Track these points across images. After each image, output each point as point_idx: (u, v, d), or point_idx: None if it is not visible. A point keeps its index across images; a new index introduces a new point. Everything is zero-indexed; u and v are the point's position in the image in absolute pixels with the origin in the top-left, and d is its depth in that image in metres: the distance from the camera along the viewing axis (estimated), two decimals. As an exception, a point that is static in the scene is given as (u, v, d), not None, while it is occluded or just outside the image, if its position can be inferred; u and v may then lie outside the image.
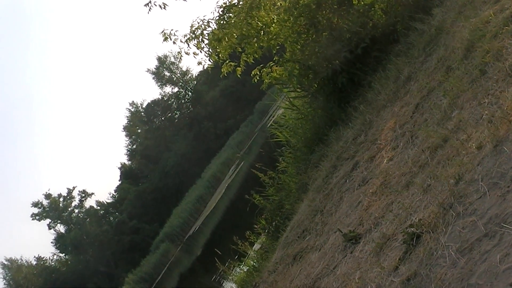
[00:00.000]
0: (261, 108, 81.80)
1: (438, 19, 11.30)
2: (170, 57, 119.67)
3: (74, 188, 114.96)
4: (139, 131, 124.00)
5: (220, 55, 15.91)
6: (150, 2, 14.76)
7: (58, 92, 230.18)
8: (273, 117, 41.01)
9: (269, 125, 31.97)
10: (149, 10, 14.82)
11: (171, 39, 15.82)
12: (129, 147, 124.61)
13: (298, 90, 16.65)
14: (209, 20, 15.88)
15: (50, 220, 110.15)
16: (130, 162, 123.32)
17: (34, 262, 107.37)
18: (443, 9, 11.63)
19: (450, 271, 4.77)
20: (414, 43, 11.87)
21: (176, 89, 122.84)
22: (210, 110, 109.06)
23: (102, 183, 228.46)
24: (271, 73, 16.85)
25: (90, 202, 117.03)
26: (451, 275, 4.71)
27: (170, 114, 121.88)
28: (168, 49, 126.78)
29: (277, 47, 16.28)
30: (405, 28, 13.08)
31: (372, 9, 14.59)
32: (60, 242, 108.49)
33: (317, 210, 10.59)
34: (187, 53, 15.98)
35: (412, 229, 5.84)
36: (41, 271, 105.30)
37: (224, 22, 15.77)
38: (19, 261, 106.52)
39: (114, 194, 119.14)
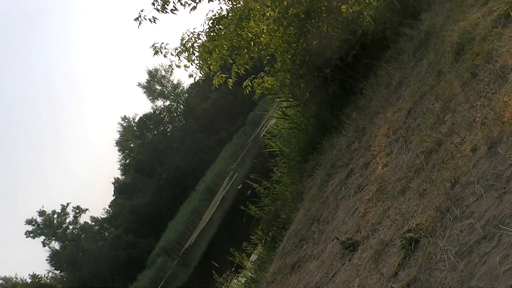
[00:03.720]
0: (254, 119, 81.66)
1: (427, 24, 11.34)
2: (161, 71, 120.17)
3: (68, 204, 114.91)
4: (131, 145, 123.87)
5: (211, 67, 15.90)
6: (140, 16, 14.76)
7: (50, 107, 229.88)
8: (265, 127, 40.95)
9: (262, 135, 31.94)
10: (139, 24, 14.81)
11: (161, 53, 15.83)
12: (122, 161, 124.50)
13: (290, 99, 16.68)
14: (199, 33, 15.91)
15: (44, 237, 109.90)
16: (123, 176, 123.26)
17: (29, 280, 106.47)
18: (431, 14, 11.67)
19: (450, 274, 4.76)
20: (404, 48, 11.90)
21: (167, 103, 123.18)
22: (202, 122, 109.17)
23: (96, 198, 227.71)
24: (263, 84, 16.88)
25: (84, 218, 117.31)
26: (451, 279, 4.70)
27: (162, 128, 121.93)
28: (158, 62, 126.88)
29: (268, 57, 16.28)
30: (395, 34, 13.13)
31: (361, 16, 14.62)
32: (55, 259, 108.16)
33: (314, 219, 10.57)
34: (178, 66, 15.97)
35: (410, 234, 5.83)
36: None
37: (214, 34, 15.78)
38: (14, 279, 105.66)
39: (109, 209, 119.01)
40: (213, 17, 15.92)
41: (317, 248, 9.30)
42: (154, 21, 14.80)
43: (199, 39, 15.84)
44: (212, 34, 15.77)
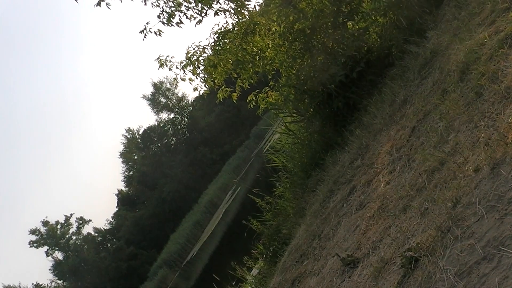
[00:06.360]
0: (257, 133, 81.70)
1: (433, 42, 11.30)
2: (165, 83, 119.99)
3: (71, 215, 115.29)
4: (135, 157, 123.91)
5: (215, 81, 15.92)
6: (145, 29, 14.78)
7: (56, 119, 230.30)
8: (269, 142, 40.96)
9: (265, 150, 31.95)
10: (144, 37, 14.83)
11: (166, 66, 15.84)
12: (126, 173, 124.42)
13: (294, 114, 16.66)
14: (205, 46, 15.93)
15: (48, 247, 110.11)
16: (127, 188, 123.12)
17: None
18: (437, 32, 11.64)
19: (449, 295, 4.74)
20: (409, 66, 11.87)
21: (172, 115, 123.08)
22: (206, 135, 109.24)
23: (100, 209, 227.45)
24: (267, 98, 16.87)
25: (87, 229, 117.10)
26: (451, 299, 4.68)
27: (166, 140, 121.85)
28: (163, 75, 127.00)
29: (273, 72, 16.31)
30: (400, 52, 13.10)
31: (367, 33, 14.63)
32: (58, 269, 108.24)
33: (315, 235, 10.54)
34: (182, 79, 15.99)
35: (410, 253, 5.81)
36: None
37: (219, 48, 15.79)
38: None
39: (112, 220, 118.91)
40: (219, 31, 15.94)
41: (317, 264, 9.27)
42: (160, 34, 14.84)
43: (204, 52, 15.87)
44: (217, 48, 15.79)
